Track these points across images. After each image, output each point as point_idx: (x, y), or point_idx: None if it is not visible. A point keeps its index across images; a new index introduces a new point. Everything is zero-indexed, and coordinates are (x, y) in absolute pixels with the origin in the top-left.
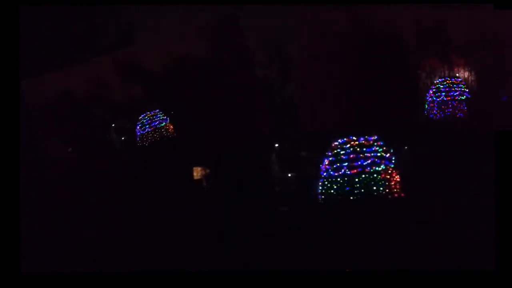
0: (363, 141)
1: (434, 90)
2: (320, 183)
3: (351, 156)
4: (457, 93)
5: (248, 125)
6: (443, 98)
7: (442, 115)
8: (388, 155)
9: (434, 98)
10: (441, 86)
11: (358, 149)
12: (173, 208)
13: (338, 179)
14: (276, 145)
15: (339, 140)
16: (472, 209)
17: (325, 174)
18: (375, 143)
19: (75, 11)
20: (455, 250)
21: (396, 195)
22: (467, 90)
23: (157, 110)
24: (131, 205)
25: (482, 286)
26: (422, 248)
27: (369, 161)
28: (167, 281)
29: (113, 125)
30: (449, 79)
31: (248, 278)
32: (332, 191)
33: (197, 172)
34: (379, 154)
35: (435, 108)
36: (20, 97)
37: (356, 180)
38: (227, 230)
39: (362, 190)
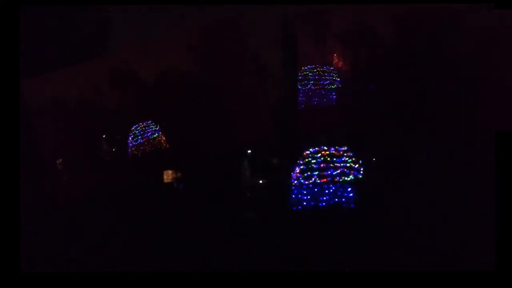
0: (334, 151)
1: (300, 78)
2: (290, 191)
3: (322, 165)
4: (328, 81)
5: (243, 129)
6: (310, 87)
7: (309, 104)
8: (357, 166)
9: (299, 87)
10: (310, 74)
11: (328, 158)
12: (162, 208)
13: (309, 187)
14: (249, 151)
15: (311, 149)
16: (472, 209)
17: (295, 182)
18: (345, 154)
19: (74, 12)
20: (455, 250)
21: (362, 206)
22: (339, 79)
23: (150, 121)
24: (129, 206)
25: (481, 286)
26: (421, 248)
27: (338, 171)
28: (166, 282)
29: (104, 136)
30: (319, 66)
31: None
32: (302, 198)
33: (168, 176)
34: (348, 165)
35: (300, 97)
36: (20, 97)
37: (325, 189)
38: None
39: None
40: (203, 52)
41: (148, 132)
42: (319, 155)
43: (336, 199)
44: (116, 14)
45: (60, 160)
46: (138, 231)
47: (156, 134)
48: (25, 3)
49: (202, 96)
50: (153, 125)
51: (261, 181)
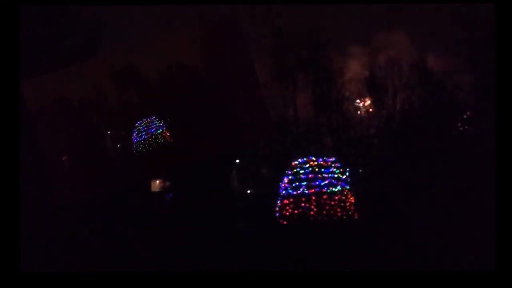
0: (322, 162)
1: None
2: (278, 201)
3: (310, 175)
4: (153, 129)
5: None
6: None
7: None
8: (344, 176)
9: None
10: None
11: (316, 169)
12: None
13: (296, 198)
14: (237, 161)
15: (299, 160)
16: (472, 210)
17: (284, 192)
18: (333, 164)
19: (74, 11)
20: (455, 250)
21: (350, 216)
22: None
23: (153, 117)
24: (128, 207)
25: (481, 286)
26: (422, 248)
27: (326, 182)
28: (165, 282)
29: (108, 132)
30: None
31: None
32: (290, 209)
33: (156, 185)
34: (336, 176)
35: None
36: (21, 96)
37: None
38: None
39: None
40: (204, 49)
41: (152, 128)
42: (307, 165)
43: (323, 209)
44: (118, 14)
45: (61, 160)
46: (136, 232)
47: (160, 130)
48: (25, 3)
49: (202, 94)
50: (157, 121)
51: (249, 191)
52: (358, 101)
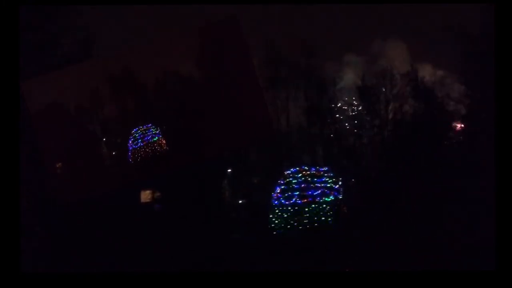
0: (314, 171)
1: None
2: (271, 211)
3: (303, 185)
4: (149, 137)
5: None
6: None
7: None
8: (337, 186)
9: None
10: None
11: (309, 179)
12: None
13: (289, 208)
14: (229, 170)
15: (292, 169)
16: (472, 210)
17: (276, 202)
18: (326, 174)
19: (74, 13)
20: (455, 250)
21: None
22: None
23: (150, 125)
24: (126, 209)
25: (482, 286)
26: (422, 248)
27: (319, 191)
28: (166, 282)
29: (104, 139)
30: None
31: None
32: (282, 219)
33: (146, 195)
34: (328, 185)
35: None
36: (20, 99)
37: (306, 209)
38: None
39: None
40: (203, 53)
41: (148, 135)
42: (300, 175)
43: (316, 219)
44: (117, 16)
45: (60, 162)
46: (135, 233)
47: (156, 137)
48: (25, 3)
49: (200, 100)
50: (153, 128)
51: (240, 201)
52: (350, 110)
